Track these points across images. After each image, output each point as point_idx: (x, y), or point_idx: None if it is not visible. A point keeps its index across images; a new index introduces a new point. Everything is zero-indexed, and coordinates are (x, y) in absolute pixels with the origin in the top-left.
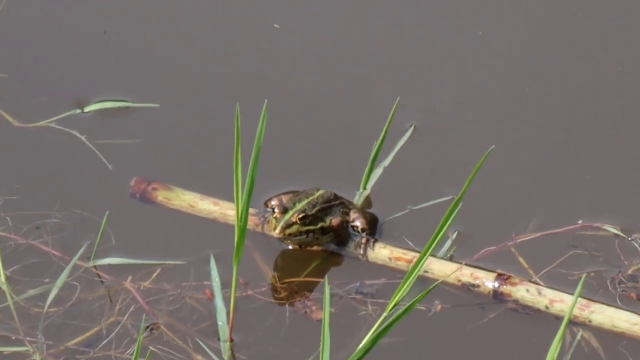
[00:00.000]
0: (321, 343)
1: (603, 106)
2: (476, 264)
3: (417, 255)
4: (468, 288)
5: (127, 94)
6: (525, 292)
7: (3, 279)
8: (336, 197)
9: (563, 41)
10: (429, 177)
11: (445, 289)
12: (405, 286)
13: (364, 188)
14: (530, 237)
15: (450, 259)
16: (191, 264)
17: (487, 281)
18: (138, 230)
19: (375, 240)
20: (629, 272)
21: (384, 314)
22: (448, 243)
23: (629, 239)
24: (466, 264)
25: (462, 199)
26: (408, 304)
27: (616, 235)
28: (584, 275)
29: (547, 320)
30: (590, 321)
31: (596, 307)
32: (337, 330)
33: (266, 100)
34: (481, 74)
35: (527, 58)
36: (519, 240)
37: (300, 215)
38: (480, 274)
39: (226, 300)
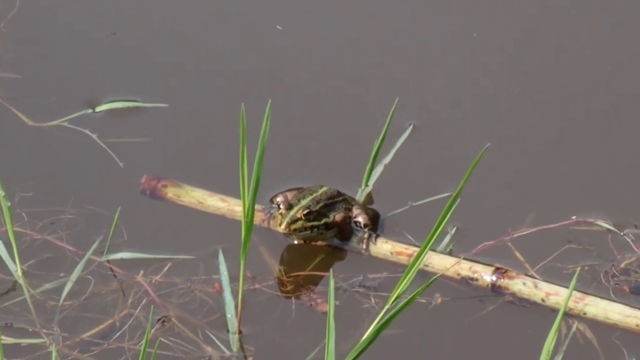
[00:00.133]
0: (327, 334)
1: (596, 104)
2: (474, 258)
3: (418, 249)
4: (467, 281)
5: (137, 94)
6: (522, 285)
7: (20, 273)
8: (339, 193)
9: (557, 40)
10: (428, 174)
11: (445, 282)
12: (406, 280)
13: (366, 185)
14: (526, 232)
15: (450, 253)
16: (200, 258)
17: (485, 275)
18: (149, 226)
19: (377, 236)
20: (622, 265)
21: (387, 307)
22: (447, 238)
23: (622, 233)
24: (465, 258)
25: (460, 196)
26: (409, 297)
27: (609, 230)
28: (578, 269)
29: (543, 312)
30: (584, 313)
31: (590, 299)
32: (342, 322)
33: (270, 100)
34: (476, 73)
35: (521, 57)
36: (515, 235)
37: (305, 212)
38: (479, 267)
39: (234, 294)
